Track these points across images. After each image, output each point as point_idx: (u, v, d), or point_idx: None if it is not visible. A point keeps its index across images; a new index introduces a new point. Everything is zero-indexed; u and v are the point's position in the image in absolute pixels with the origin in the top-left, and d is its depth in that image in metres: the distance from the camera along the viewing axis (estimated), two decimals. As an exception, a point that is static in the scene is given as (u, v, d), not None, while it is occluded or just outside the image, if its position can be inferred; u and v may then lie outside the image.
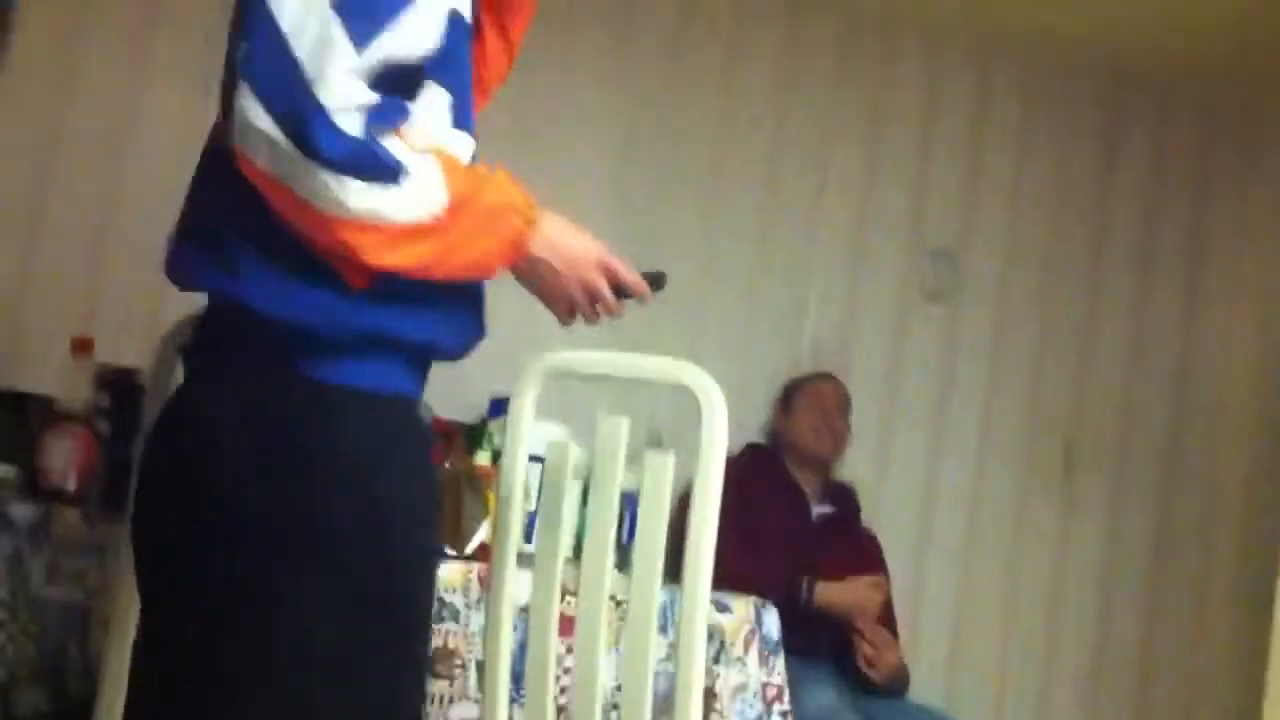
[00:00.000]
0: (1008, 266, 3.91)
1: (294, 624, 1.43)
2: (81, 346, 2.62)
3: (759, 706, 2.49)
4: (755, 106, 3.78)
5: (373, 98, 1.41)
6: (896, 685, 3.28)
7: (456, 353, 1.61)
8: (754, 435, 3.64)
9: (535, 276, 1.59)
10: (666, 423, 3.41)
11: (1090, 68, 3.93)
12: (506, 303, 3.40)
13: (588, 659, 1.84)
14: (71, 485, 2.46)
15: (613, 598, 1.88)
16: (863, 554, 3.45)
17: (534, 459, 2.85)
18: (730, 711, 2.45)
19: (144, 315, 3.02)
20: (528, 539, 2.51)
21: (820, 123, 3.82)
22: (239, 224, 1.46)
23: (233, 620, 1.43)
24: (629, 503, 1.95)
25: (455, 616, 2.33)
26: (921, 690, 3.45)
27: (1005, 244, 3.91)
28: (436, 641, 2.30)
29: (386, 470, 1.48)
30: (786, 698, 2.51)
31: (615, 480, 1.88)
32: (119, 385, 2.63)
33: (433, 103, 1.47)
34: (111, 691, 2.05)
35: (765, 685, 2.51)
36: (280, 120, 1.39)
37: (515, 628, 1.94)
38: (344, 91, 1.39)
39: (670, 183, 3.73)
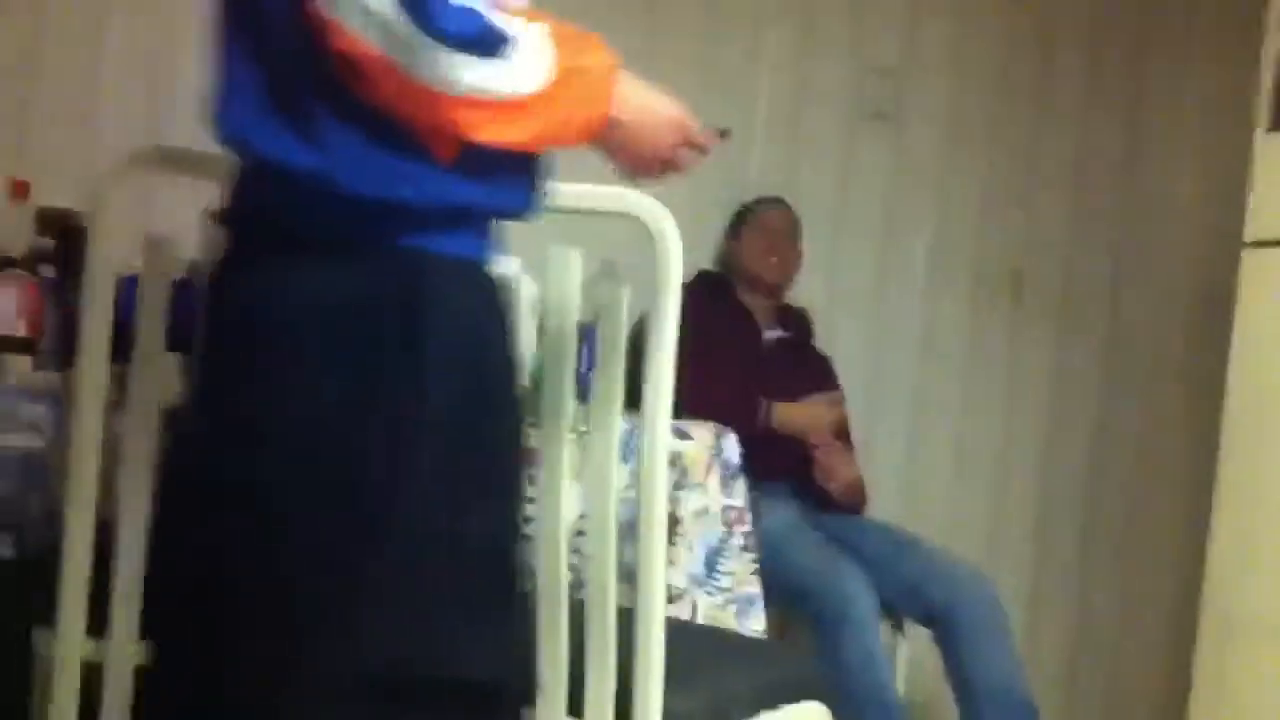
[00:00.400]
0: (953, 85, 3.89)
1: (416, 496, 1.44)
2: (18, 190, 2.56)
3: (720, 529, 2.53)
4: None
5: None
6: (854, 499, 3.35)
7: (525, 217, 1.59)
8: (705, 263, 3.64)
9: (613, 138, 1.57)
10: (619, 254, 3.42)
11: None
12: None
13: (551, 490, 1.86)
14: (21, 332, 2.42)
15: (574, 429, 1.89)
16: (817, 374, 3.49)
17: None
18: (693, 535, 2.49)
19: (78, 154, 2.96)
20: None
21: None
22: (326, 96, 1.42)
23: (352, 504, 1.42)
24: (586, 335, 1.95)
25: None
26: (877, 513, 3.53)
27: (950, 63, 3.88)
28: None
29: (490, 336, 1.52)
30: (747, 519, 2.56)
31: (570, 312, 1.87)
32: (61, 228, 2.57)
33: None
34: (75, 540, 2.05)
35: (726, 508, 2.56)
36: None
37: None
38: None
39: (609, 7, 3.65)
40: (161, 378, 2.10)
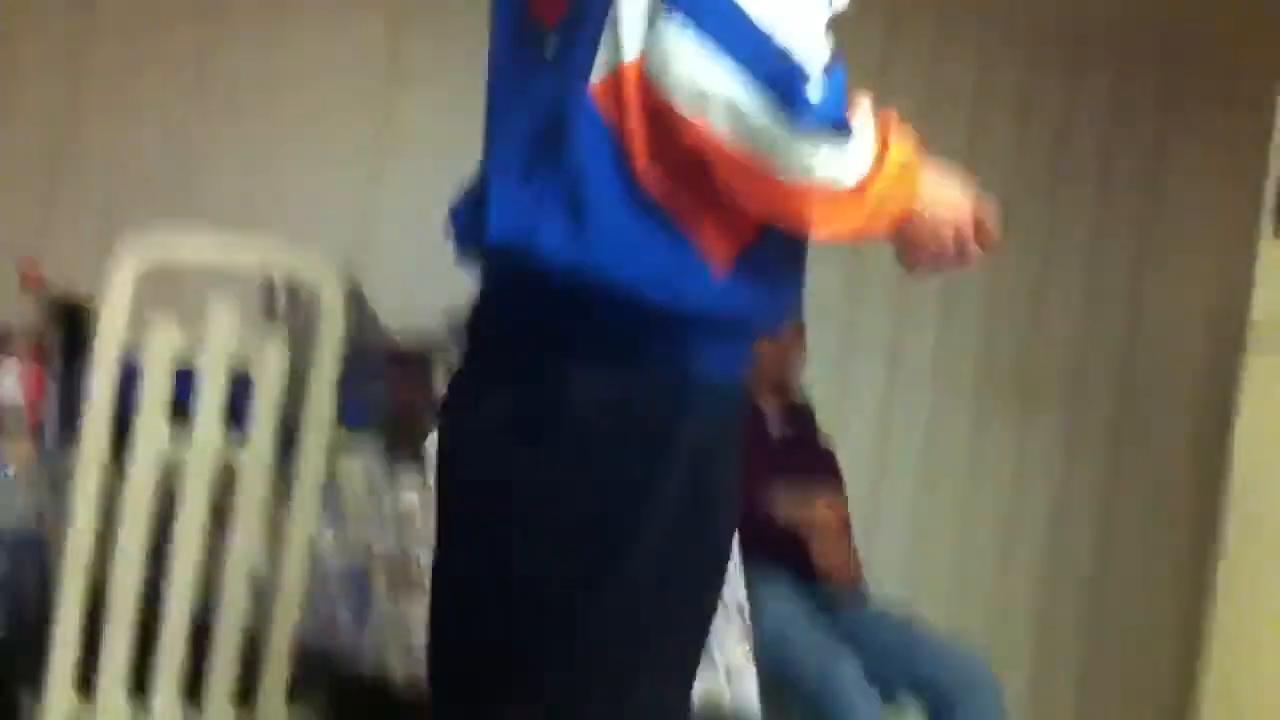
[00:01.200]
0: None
1: (633, 603, 1.45)
2: (31, 278, 2.59)
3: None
4: None
5: (827, 55, 1.37)
6: (853, 587, 3.31)
7: (779, 329, 1.58)
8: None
9: (907, 230, 1.49)
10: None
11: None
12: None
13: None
14: (23, 411, 2.43)
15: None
16: (822, 469, 3.47)
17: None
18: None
19: (93, 243, 3.01)
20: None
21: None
22: (619, 201, 1.38)
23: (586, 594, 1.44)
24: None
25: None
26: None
27: (959, 160, 3.89)
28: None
29: (719, 465, 1.49)
30: (746, 613, 2.53)
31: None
32: (69, 317, 2.60)
33: None
34: (67, 615, 2.06)
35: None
36: (761, 87, 1.33)
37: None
38: (816, 52, 1.35)
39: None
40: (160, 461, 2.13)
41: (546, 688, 1.45)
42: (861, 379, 3.86)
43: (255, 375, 2.16)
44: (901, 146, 1.45)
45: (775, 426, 3.47)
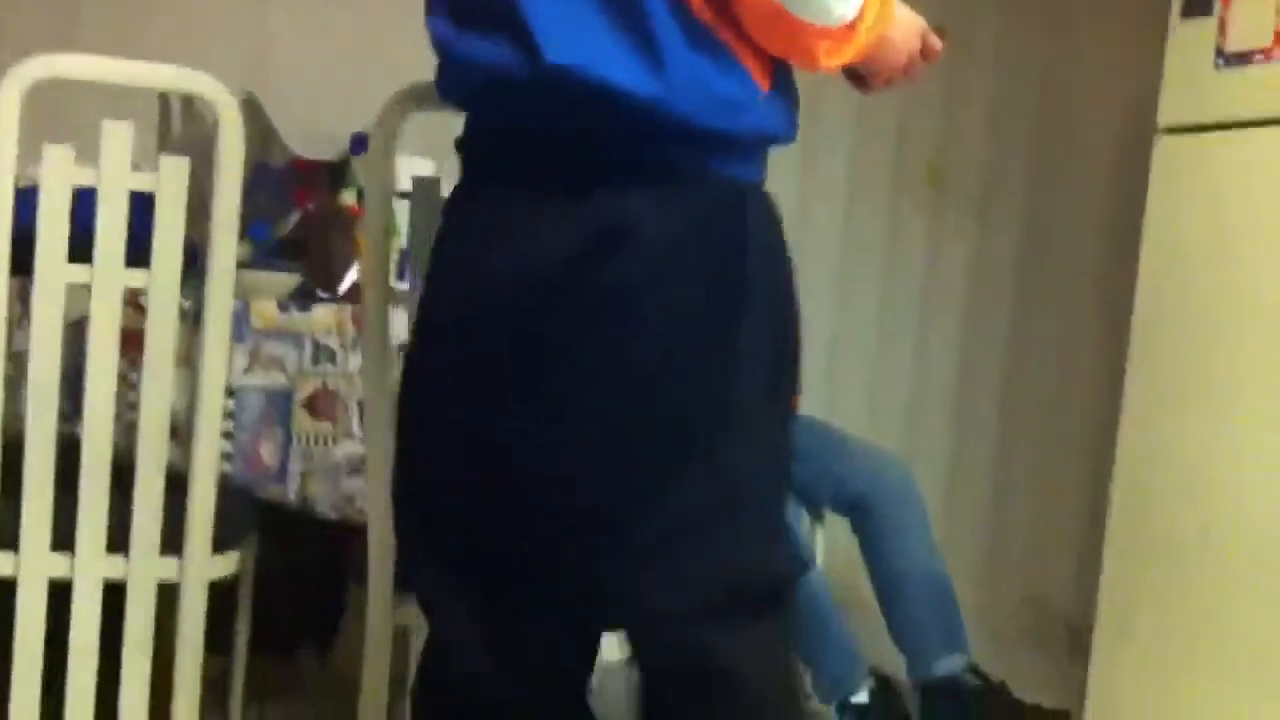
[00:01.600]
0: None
1: (743, 415, 1.54)
2: None
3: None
4: None
5: None
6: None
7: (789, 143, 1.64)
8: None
9: (877, 54, 1.61)
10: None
11: None
12: (359, 36, 3.28)
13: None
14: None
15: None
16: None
17: (400, 195, 2.81)
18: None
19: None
20: (400, 277, 2.49)
21: None
22: (673, 28, 1.46)
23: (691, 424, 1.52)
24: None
25: (331, 358, 2.30)
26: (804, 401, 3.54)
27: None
28: (315, 384, 2.28)
29: (783, 257, 1.60)
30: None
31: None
32: None
33: None
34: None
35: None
36: None
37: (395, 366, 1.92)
38: None
39: None
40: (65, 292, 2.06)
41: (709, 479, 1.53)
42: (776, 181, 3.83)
43: (157, 197, 2.08)
44: None
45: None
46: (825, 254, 3.85)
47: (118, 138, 2.05)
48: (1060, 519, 3.96)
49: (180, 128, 2.83)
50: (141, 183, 2.06)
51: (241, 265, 2.26)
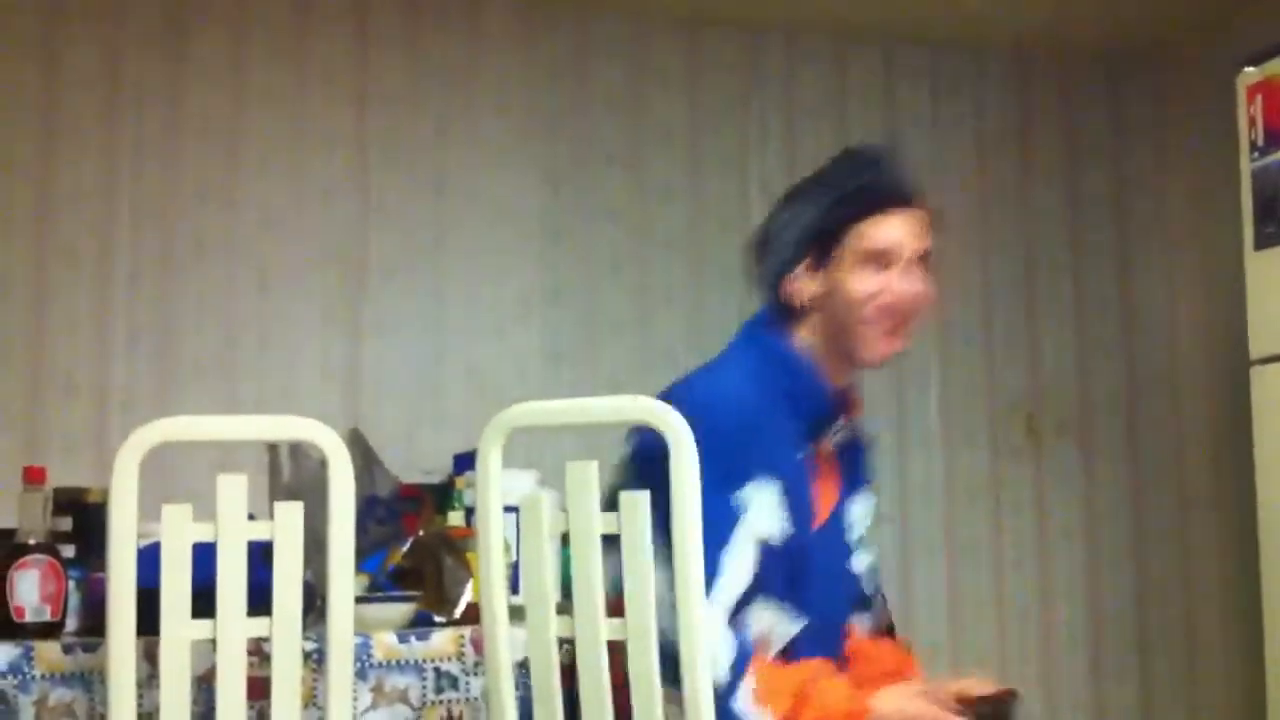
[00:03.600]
0: (946, 243, 3.92)
1: None
2: (33, 476, 2.57)
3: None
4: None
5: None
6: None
7: None
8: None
9: None
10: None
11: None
12: (452, 364, 3.40)
13: (594, 706, 1.84)
14: (47, 616, 2.41)
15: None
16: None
17: (508, 509, 2.86)
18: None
19: (91, 435, 3.00)
20: (514, 591, 2.51)
21: (737, 130, 3.85)
22: None
23: None
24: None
25: (454, 684, 2.30)
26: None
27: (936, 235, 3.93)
28: (440, 714, 2.28)
29: None
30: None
31: (593, 526, 1.87)
32: (77, 508, 2.59)
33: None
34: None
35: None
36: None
37: (516, 686, 1.93)
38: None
39: (595, 209, 3.74)
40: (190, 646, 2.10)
41: None
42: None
43: (275, 543, 2.13)
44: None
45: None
46: (927, 507, 3.82)
47: (233, 491, 2.11)
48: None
49: (289, 472, 2.92)
50: (259, 531, 2.12)
51: (358, 600, 2.29)
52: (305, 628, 2.15)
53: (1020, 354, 3.93)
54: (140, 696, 2.12)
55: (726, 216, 3.84)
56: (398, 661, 2.31)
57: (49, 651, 2.24)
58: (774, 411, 1.92)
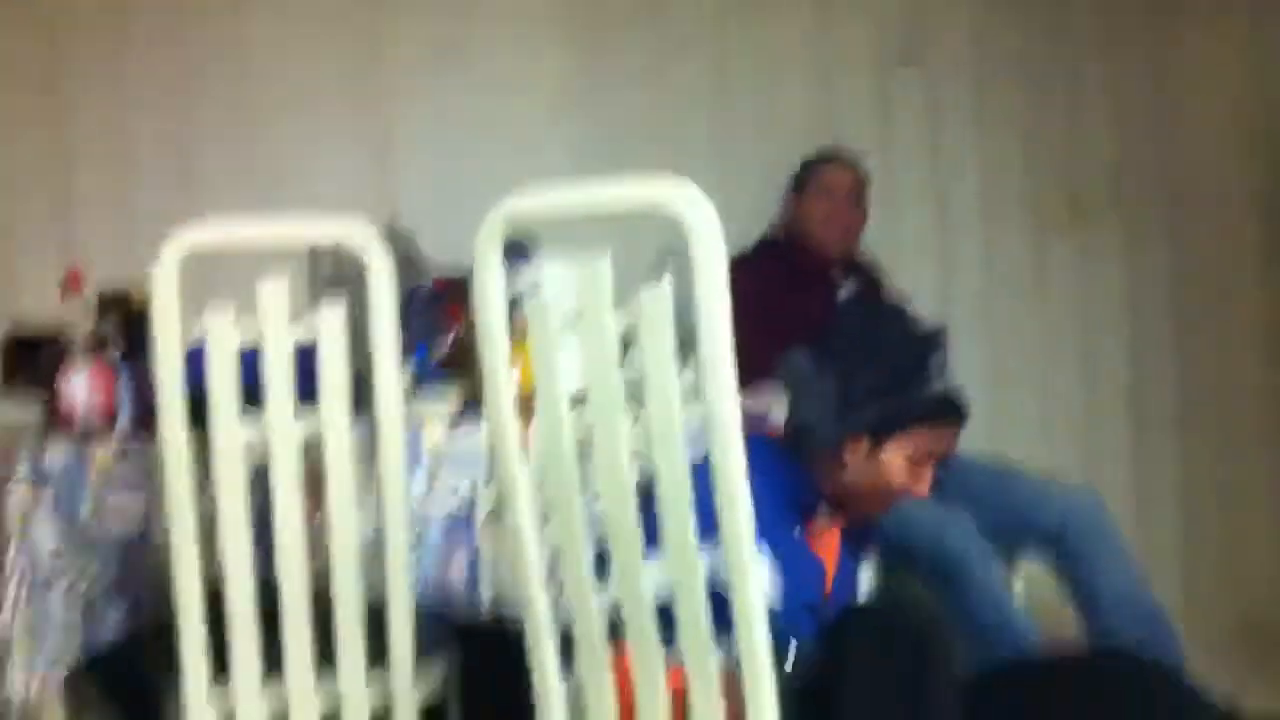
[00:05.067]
0: (979, 24, 3.83)
1: None
2: (72, 281, 2.57)
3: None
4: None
5: None
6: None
7: None
8: (765, 227, 3.60)
9: None
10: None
11: None
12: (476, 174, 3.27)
13: (616, 498, 1.79)
14: (98, 416, 2.44)
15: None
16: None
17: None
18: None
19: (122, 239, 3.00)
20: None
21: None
22: None
23: None
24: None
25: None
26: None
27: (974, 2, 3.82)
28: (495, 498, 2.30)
29: None
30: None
31: (607, 322, 1.76)
32: (121, 310, 2.59)
33: None
34: (188, 614, 2.08)
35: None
36: None
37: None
38: None
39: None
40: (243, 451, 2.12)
41: None
42: (911, 224, 3.80)
43: (319, 344, 2.14)
44: None
45: (841, 287, 3.43)
46: (967, 288, 3.80)
47: (275, 296, 2.11)
48: (1255, 526, 3.85)
49: (329, 265, 2.91)
50: (303, 333, 2.12)
51: (406, 391, 2.31)
52: (354, 422, 2.17)
53: (1061, 131, 3.85)
54: (199, 494, 2.15)
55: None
56: (449, 452, 2.33)
57: (103, 456, 2.27)
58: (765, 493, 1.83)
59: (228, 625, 2.13)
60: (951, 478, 3.17)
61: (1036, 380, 3.85)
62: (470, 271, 3.17)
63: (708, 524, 1.69)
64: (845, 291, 3.44)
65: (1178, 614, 3.67)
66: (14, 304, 3.00)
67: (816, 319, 3.26)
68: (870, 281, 3.52)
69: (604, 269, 1.78)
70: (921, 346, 2.23)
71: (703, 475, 1.70)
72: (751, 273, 3.37)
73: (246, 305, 2.15)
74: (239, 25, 3.46)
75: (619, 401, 1.77)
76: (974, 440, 3.49)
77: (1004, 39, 3.85)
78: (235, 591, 2.13)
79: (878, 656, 1.87)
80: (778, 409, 2.29)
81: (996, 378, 3.81)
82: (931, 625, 1.96)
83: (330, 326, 2.13)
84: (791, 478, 2.17)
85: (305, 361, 2.19)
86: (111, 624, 2.27)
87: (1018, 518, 3.02)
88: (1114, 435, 3.88)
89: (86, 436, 2.38)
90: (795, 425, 2.17)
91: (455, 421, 2.35)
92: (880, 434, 2.15)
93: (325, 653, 2.17)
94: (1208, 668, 3.13)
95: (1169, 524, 3.89)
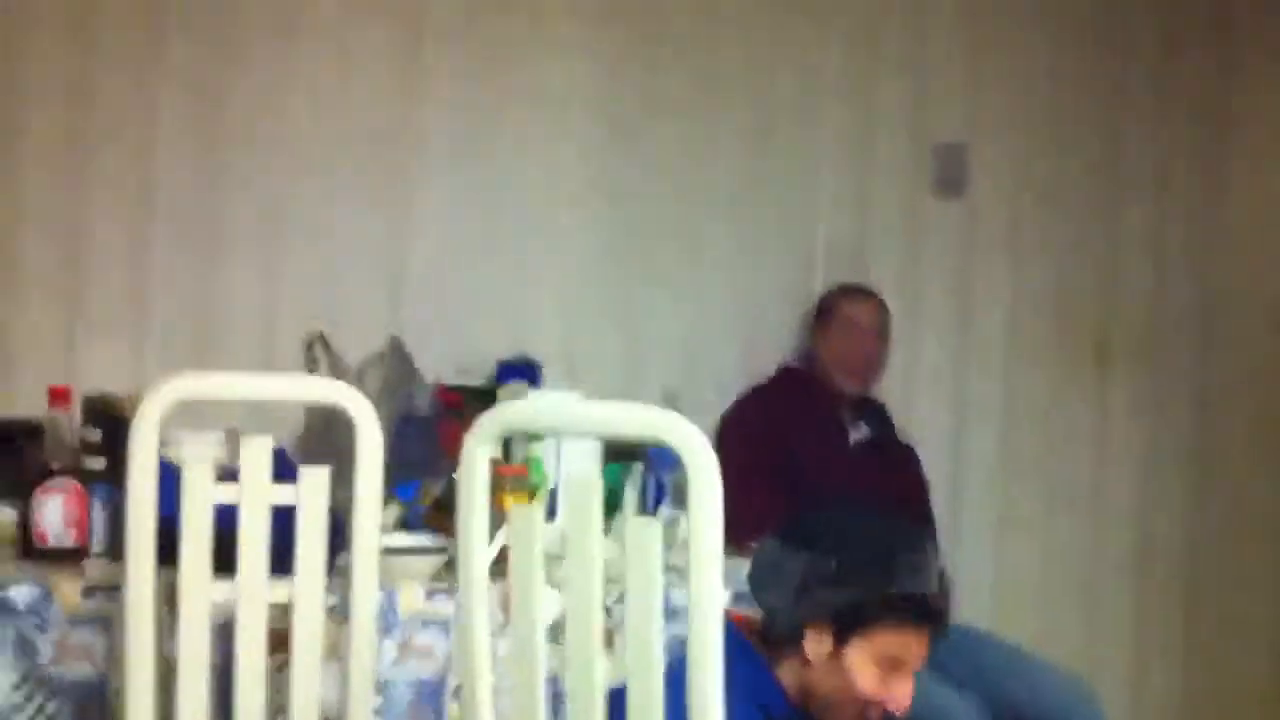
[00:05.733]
0: (1021, 155, 3.73)
1: None
2: (57, 397, 2.50)
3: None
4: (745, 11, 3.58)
5: None
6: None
7: None
8: (785, 354, 3.52)
9: None
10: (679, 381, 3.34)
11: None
12: (493, 271, 3.19)
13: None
14: (70, 542, 2.37)
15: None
16: (905, 473, 3.36)
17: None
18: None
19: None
20: (550, 516, 2.44)
21: (813, 21, 3.61)
22: None
23: None
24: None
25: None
26: (967, 608, 3.40)
27: (1016, 131, 3.72)
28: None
29: None
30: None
31: (593, 558, 1.66)
32: (107, 420, 2.53)
33: None
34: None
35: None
36: None
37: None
38: None
39: (661, 95, 3.54)
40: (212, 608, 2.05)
41: None
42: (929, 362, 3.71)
43: (299, 508, 2.07)
44: None
45: (853, 428, 3.35)
46: (986, 431, 3.71)
47: (257, 453, 2.04)
48: (1251, 692, 3.77)
49: (325, 367, 2.84)
50: (283, 496, 2.05)
51: (386, 552, 2.23)
52: (329, 578, 2.10)
53: (1094, 267, 3.75)
54: (159, 642, 2.08)
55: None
56: (424, 617, 2.26)
57: (69, 594, 2.20)
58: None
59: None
60: (961, 654, 3.10)
61: (1042, 537, 3.75)
62: (475, 384, 3.15)
63: None
64: (856, 434, 3.36)
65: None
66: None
67: (828, 463, 3.20)
68: (882, 423, 3.44)
69: (596, 496, 1.69)
70: (896, 542, 2.12)
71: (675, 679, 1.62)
72: (765, 408, 3.30)
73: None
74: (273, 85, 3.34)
75: (597, 642, 1.68)
76: (971, 600, 3.45)
77: (1045, 171, 3.76)
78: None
79: None
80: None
81: (1001, 529, 3.72)
82: None
83: (311, 490, 2.06)
84: (759, 681, 2.07)
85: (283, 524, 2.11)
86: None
87: (1000, 699, 2.92)
88: (1117, 594, 3.80)
89: (57, 559, 2.32)
90: (761, 615, 2.07)
91: (431, 591, 2.27)
92: (842, 628, 2.05)
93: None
94: None
95: (1169, 693, 3.81)
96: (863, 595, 2.01)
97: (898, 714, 2.02)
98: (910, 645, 2.04)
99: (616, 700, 1.68)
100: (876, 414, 3.43)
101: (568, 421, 1.89)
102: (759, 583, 2.10)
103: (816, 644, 2.04)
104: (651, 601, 1.64)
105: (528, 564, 1.73)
